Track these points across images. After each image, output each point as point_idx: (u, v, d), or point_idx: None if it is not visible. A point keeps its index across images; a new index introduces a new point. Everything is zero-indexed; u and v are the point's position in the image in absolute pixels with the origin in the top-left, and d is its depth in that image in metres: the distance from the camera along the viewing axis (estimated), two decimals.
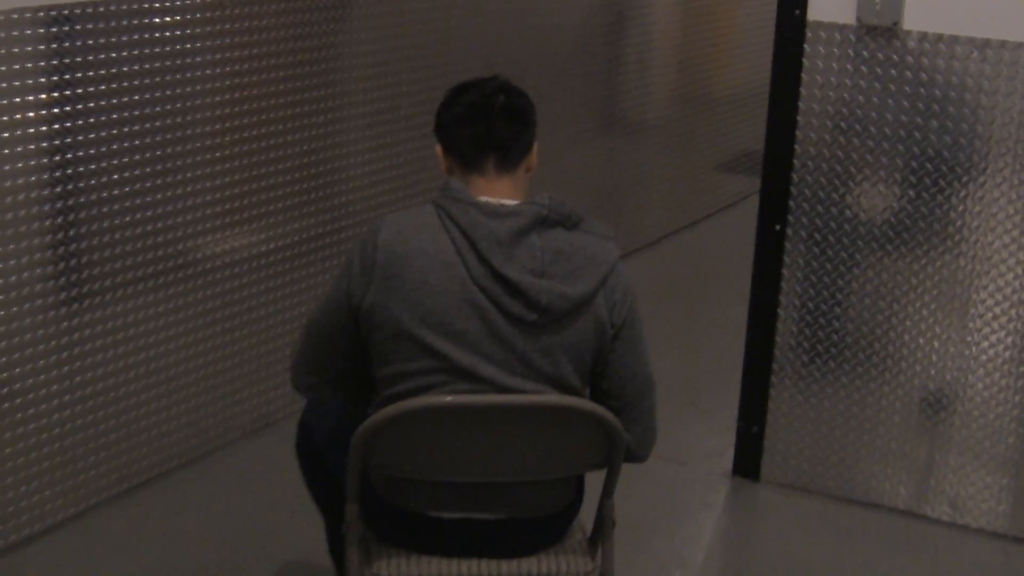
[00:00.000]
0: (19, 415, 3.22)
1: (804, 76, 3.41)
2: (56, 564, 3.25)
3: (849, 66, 3.36)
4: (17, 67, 3.02)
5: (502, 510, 2.40)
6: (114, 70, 3.26)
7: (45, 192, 3.15)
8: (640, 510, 3.55)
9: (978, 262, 3.38)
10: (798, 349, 3.62)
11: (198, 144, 3.53)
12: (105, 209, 3.31)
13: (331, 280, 2.43)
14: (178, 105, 3.45)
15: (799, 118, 3.44)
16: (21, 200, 3.10)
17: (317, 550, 3.02)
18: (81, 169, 3.23)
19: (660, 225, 6.09)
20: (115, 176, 3.33)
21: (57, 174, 3.18)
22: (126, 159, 3.34)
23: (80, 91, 3.18)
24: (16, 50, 3.00)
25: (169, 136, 3.44)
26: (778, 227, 3.54)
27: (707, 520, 3.66)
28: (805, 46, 3.39)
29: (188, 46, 3.44)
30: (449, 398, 2.26)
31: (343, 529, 2.45)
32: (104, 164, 3.29)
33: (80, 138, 3.21)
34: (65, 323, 3.28)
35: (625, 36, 5.49)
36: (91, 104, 3.21)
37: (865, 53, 3.33)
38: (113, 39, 3.23)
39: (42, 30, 3.06)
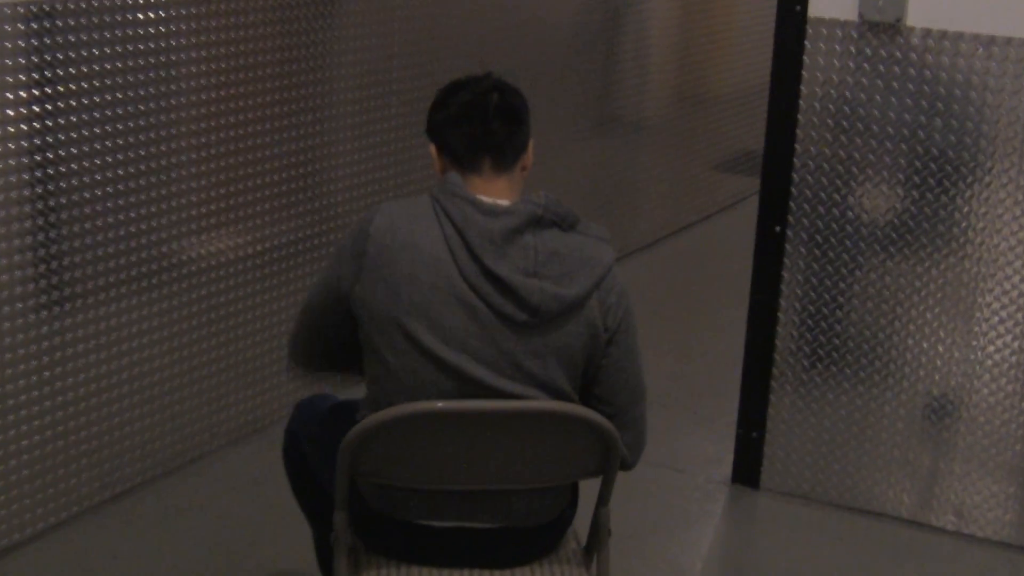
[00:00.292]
0: None
1: (805, 74, 3.42)
2: (36, 575, 3.23)
3: (851, 63, 3.37)
4: None
5: (495, 519, 2.39)
6: (96, 67, 3.25)
7: (25, 192, 3.14)
8: (636, 519, 3.55)
9: (983, 264, 3.38)
10: (799, 353, 3.63)
11: (183, 143, 3.54)
12: (87, 210, 3.30)
13: (326, 262, 2.46)
14: (162, 103, 3.45)
15: (799, 117, 3.46)
16: (0, 200, 3.09)
17: (305, 559, 2.99)
18: (63, 168, 3.22)
19: (657, 227, 6.14)
20: (98, 176, 3.32)
21: (38, 173, 3.17)
22: (109, 158, 3.34)
23: (61, 88, 3.17)
24: None
25: (153, 135, 3.45)
26: (778, 229, 3.55)
27: (705, 529, 3.66)
28: (806, 43, 3.41)
29: (172, 43, 3.43)
30: (440, 404, 2.25)
31: (331, 538, 2.44)
32: (86, 163, 3.28)
33: (61, 137, 3.20)
34: (46, 327, 3.27)
35: (621, 32, 5.53)
36: (72, 102, 3.20)
37: (867, 50, 3.35)
38: (95, 35, 3.22)
39: (22, 26, 3.04)
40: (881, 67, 3.33)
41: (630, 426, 2.42)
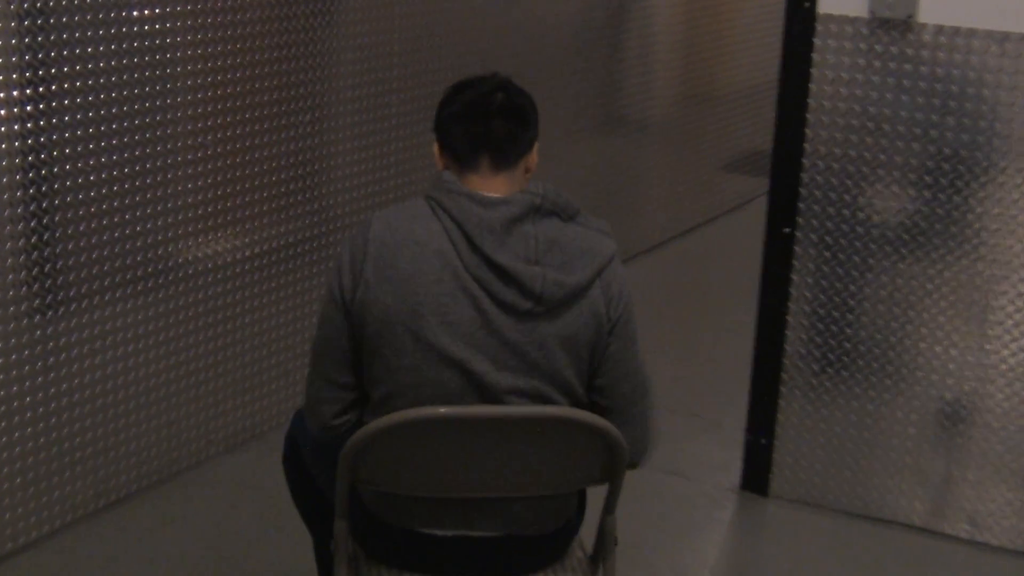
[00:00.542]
0: None
1: (814, 72, 3.43)
2: None
3: (861, 61, 3.37)
4: None
5: (499, 527, 2.39)
6: (91, 66, 3.25)
7: (18, 193, 3.14)
8: (643, 527, 3.56)
9: (997, 266, 3.38)
10: (808, 358, 3.63)
11: (179, 143, 3.55)
12: (81, 211, 3.30)
13: (325, 289, 2.45)
14: (158, 102, 3.46)
15: (809, 116, 3.46)
16: None
17: (305, 568, 2.98)
18: (56, 169, 3.23)
19: (663, 228, 6.17)
20: (92, 176, 3.32)
21: (31, 174, 3.16)
22: (103, 158, 3.34)
23: (55, 87, 3.17)
24: None
25: (149, 135, 3.45)
26: (787, 230, 3.56)
27: (713, 537, 3.66)
28: (815, 40, 3.42)
29: (168, 40, 3.44)
30: (443, 409, 2.25)
31: (332, 546, 2.44)
32: (80, 164, 3.29)
33: (55, 136, 3.21)
34: (39, 331, 3.26)
35: (626, 29, 5.56)
36: (66, 101, 3.21)
37: (878, 47, 3.35)
38: (89, 32, 3.23)
39: (14, 23, 3.03)
40: (892, 64, 3.34)
41: (632, 422, 2.41)
